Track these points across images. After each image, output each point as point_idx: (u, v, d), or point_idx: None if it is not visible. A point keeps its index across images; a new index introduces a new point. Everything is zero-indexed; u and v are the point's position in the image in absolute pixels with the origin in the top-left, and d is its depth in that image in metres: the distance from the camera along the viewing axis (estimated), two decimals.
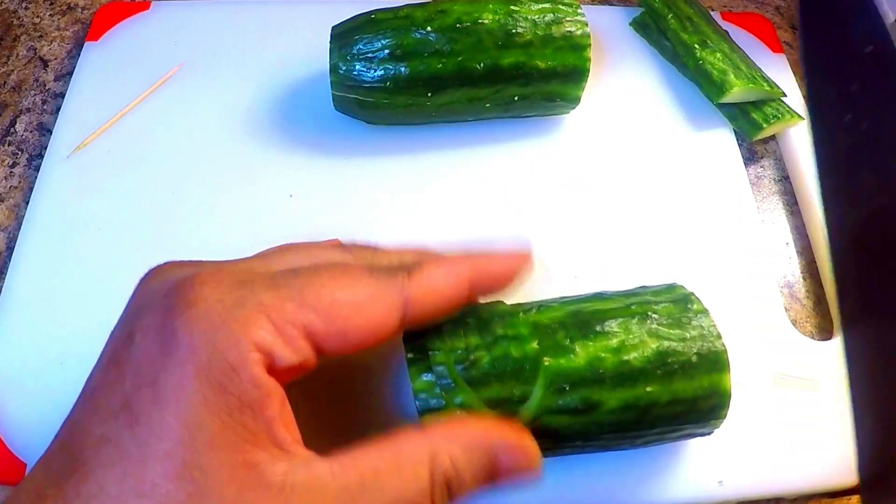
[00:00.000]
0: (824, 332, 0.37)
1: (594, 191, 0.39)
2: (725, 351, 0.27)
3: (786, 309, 0.37)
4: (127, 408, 0.19)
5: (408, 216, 0.37)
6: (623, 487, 0.31)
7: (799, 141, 0.42)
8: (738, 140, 0.42)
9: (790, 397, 0.33)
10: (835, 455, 0.32)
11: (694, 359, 0.26)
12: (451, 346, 0.25)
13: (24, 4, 0.46)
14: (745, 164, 0.41)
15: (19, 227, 0.36)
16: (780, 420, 0.33)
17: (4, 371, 0.32)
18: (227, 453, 0.19)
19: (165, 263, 0.23)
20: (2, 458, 0.29)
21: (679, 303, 0.28)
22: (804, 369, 0.34)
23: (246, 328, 0.20)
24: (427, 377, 0.25)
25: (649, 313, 0.27)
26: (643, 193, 0.39)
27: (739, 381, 0.33)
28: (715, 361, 0.27)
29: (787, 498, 0.32)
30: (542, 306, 0.28)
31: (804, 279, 0.39)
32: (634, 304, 0.28)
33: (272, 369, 0.20)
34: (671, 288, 0.29)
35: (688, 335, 0.27)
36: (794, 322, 0.36)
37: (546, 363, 0.25)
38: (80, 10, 0.46)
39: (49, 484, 0.19)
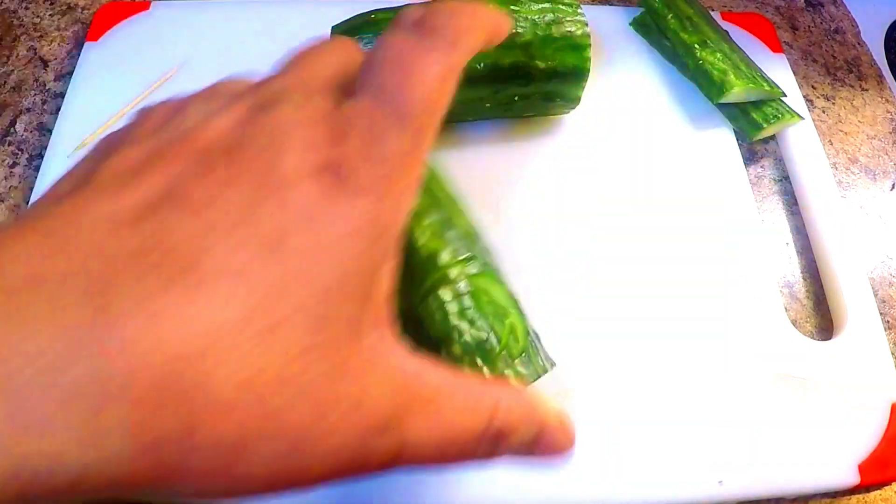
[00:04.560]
0: (824, 332, 0.37)
1: (594, 191, 0.39)
2: None
3: (786, 309, 0.37)
4: (267, 236, 0.17)
5: None
6: (622, 487, 0.31)
7: (799, 141, 0.42)
8: (738, 140, 0.42)
9: (790, 397, 0.33)
10: (835, 455, 0.32)
11: None
12: None
13: (24, 4, 0.46)
14: (745, 164, 0.41)
15: None
16: (780, 420, 0.33)
17: None
18: (352, 313, 0.18)
19: (273, 104, 0.20)
20: None
21: None
22: (804, 369, 0.34)
23: (396, 188, 0.19)
24: None
25: None
26: (643, 193, 0.39)
27: (739, 380, 0.33)
28: None
29: (787, 498, 0.32)
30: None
31: (804, 279, 0.39)
32: None
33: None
34: None
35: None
36: (794, 322, 0.36)
37: None
38: (80, 10, 0.46)
39: (115, 284, 0.15)
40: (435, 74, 0.20)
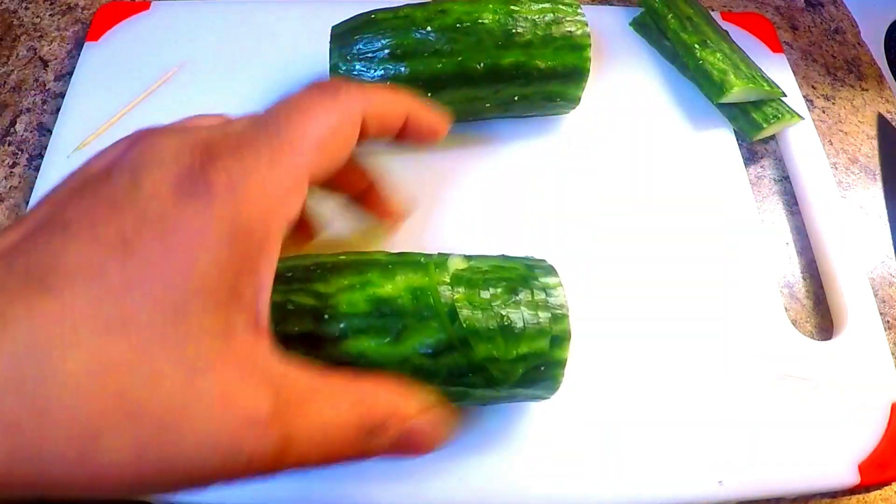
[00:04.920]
0: (824, 332, 0.37)
1: (594, 191, 0.39)
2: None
3: (786, 309, 0.37)
4: (122, 242, 0.18)
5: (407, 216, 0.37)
6: (622, 487, 0.31)
7: (799, 141, 0.42)
8: (738, 140, 0.42)
9: (790, 397, 0.33)
10: (835, 455, 0.32)
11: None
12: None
13: (24, 4, 0.46)
14: (745, 164, 0.41)
15: None
16: (780, 420, 0.33)
17: None
18: (215, 310, 0.18)
19: (151, 129, 0.22)
20: None
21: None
22: (804, 369, 0.34)
23: (265, 187, 0.20)
24: None
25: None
26: (643, 193, 0.39)
27: (739, 380, 0.33)
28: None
29: (787, 498, 0.32)
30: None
31: (804, 279, 0.39)
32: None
33: (287, 227, 0.21)
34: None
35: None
36: (794, 322, 0.36)
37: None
38: (80, 10, 0.46)
39: None
40: (324, 116, 0.23)
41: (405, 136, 0.27)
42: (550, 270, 0.28)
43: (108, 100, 0.40)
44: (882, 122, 0.26)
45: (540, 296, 0.27)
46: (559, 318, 0.27)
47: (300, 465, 0.21)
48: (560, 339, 0.27)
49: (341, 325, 0.25)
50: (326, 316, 0.25)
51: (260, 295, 0.20)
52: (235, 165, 0.20)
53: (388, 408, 0.23)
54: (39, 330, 0.17)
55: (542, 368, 0.27)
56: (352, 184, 0.30)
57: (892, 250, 0.40)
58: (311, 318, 0.24)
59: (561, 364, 0.27)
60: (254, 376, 0.19)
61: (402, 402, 0.24)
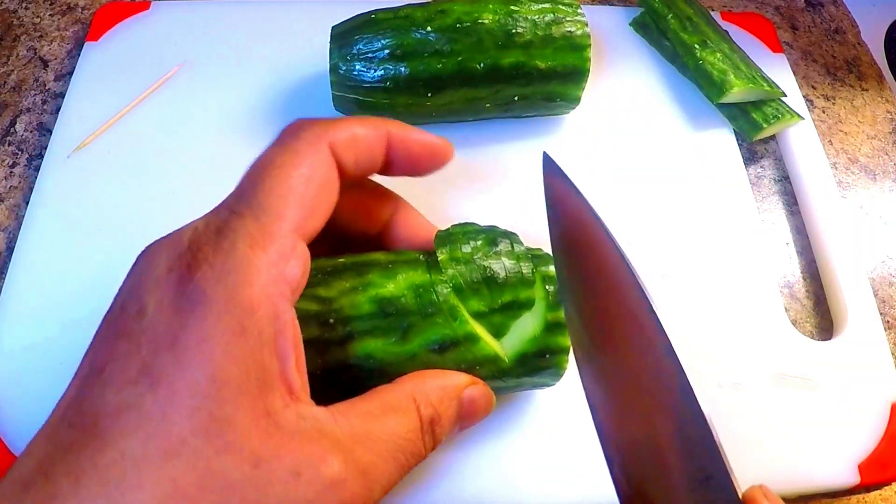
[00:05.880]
0: (824, 332, 0.37)
1: (594, 191, 0.39)
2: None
3: (786, 309, 0.37)
4: (146, 373, 0.19)
5: None
6: None
7: (799, 141, 0.42)
8: (738, 140, 0.42)
9: (790, 397, 0.33)
10: (835, 455, 0.32)
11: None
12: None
13: (24, 4, 0.46)
14: (745, 164, 0.41)
15: (19, 227, 0.36)
16: (780, 420, 0.33)
17: (4, 371, 0.32)
18: (249, 401, 0.19)
19: (150, 245, 0.23)
20: (2, 458, 0.29)
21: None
22: (804, 369, 0.34)
23: (252, 265, 0.20)
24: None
25: None
26: (643, 193, 0.39)
27: (739, 380, 0.33)
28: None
29: (788, 498, 0.32)
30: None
31: (804, 279, 0.39)
32: None
33: (290, 293, 0.21)
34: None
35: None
36: (794, 322, 0.36)
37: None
38: (80, 10, 0.46)
39: (56, 459, 0.19)
40: (292, 168, 0.22)
41: (396, 163, 0.26)
42: (551, 260, 0.28)
43: (108, 100, 0.40)
44: (546, 158, 0.27)
45: (520, 248, 0.27)
46: (559, 305, 0.27)
47: (387, 491, 0.21)
48: (563, 327, 0.27)
49: (347, 328, 0.25)
50: (331, 320, 0.25)
51: (286, 364, 0.20)
52: (218, 258, 0.20)
53: (439, 391, 0.24)
54: (107, 478, 0.18)
55: (548, 356, 0.27)
56: (370, 220, 0.29)
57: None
58: (316, 323, 0.24)
59: (565, 351, 0.27)
60: (312, 441, 0.20)
61: (448, 379, 0.25)
